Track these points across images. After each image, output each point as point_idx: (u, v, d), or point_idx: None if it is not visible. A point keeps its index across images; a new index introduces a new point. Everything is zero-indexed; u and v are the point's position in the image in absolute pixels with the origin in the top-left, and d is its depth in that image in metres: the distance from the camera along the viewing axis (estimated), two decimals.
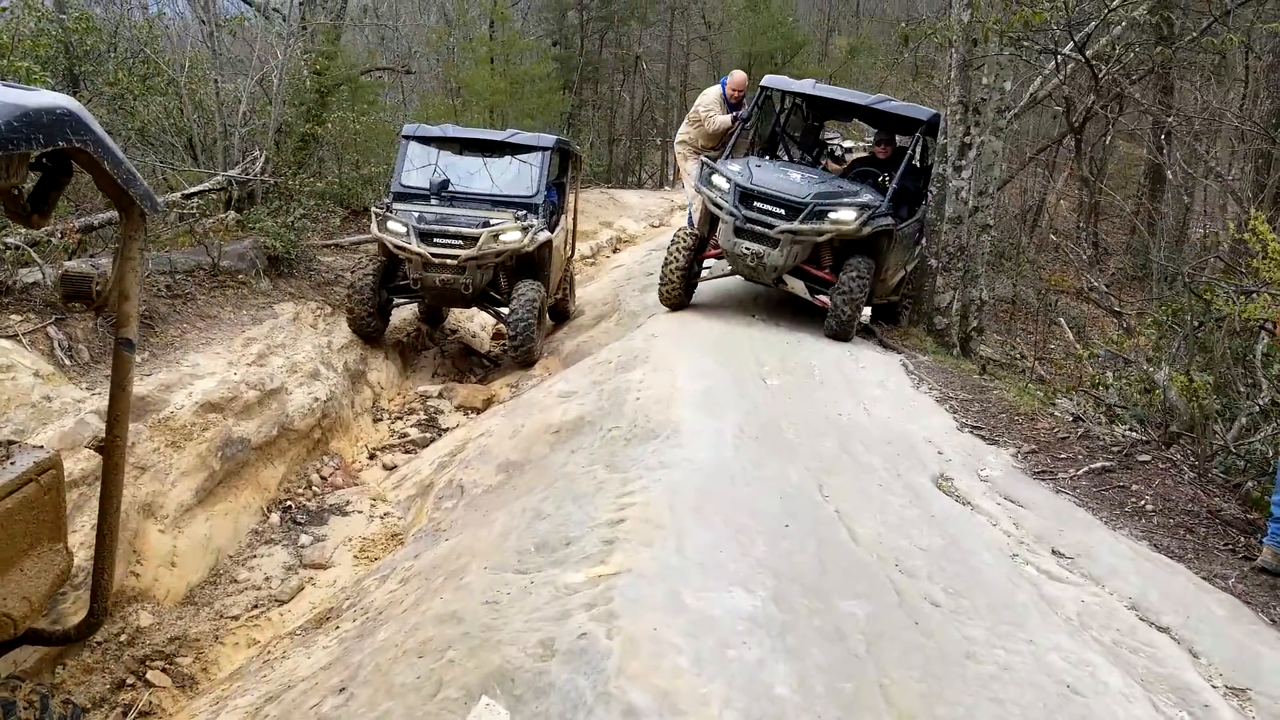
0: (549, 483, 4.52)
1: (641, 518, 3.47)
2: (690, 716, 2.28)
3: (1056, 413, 5.81)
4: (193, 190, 8.94)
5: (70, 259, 6.52)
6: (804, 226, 6.77)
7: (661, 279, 7.58)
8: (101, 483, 2.27)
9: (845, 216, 6.81)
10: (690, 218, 8.91)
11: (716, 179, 7.18)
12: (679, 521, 3.39)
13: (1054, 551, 3.81)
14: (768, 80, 8.34)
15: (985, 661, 2.74)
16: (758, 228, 6.82)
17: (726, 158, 7.77)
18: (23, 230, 6.26)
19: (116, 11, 12.71)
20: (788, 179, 7.14)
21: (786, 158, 9.01)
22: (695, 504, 3.55)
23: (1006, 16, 6.18)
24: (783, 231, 6.76)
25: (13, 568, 2.11)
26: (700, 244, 7.58)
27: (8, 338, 5.37)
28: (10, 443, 2.26)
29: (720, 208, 7.05)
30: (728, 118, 8.56)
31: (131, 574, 4.56)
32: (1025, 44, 7.44)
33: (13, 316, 5.63)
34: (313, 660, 3.67)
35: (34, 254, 5.91)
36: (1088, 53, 8.16)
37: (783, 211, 6.79)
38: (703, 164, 7.53)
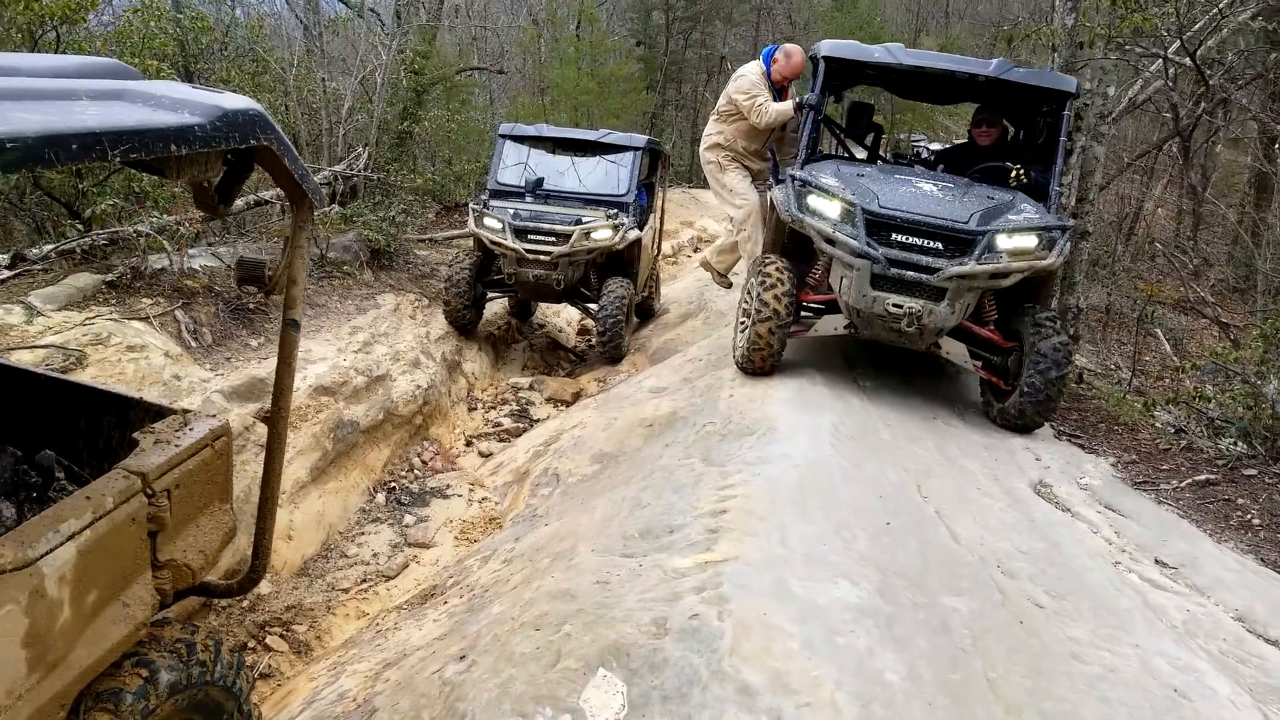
0: (646, 474, 4.66)
1: (743, 509, 3.58)
2: (804, 695, 2.38)
3: (1157, 424, 5.71)
4: None
5: (193, 246, 6.93)
6: (981, 267, 4.72)
7: (752, 332, 5.29)
8: (266, 450, 2.48)
9: (1026, 244, 4.81)
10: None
11: (818, 201, 5.08)
12: (781, 514, 3.48)
13: (1157, 561, 3.79)
14: (829, 48, 5.85)
15: (1091, 662, 2.78)
16: (909, 273, 4.77)
17: (805, 164, 5.65)
18: (152, 218, 6.68)
19: (228, 11, 13.37)
20: (927, 194, 5.03)
21: (846, 155, 6.71)
22: (796, 498, 3.64)
23: (1115, 22, 6.09)
24: (951, 277, 4.72)
25: (191, 524, 2.33)
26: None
27: (140, 319, 5.75)
28: (186, 411, 2.49)
29: (835, 243, 4.95)
30: (788, 104, 6.20)
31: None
32: (1131, 49, 7.27)
33: (144, 300, 6.00)
34: (425, 632, 3.87)
35: (163, 241, 6.30)
36: (1195, 57, 7.94)
37: (940, 245, 4.78)
38: (792, 181, 5.30)
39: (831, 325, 5.39)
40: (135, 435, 2.32)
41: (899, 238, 4.81)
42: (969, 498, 3.92)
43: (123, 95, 1.86)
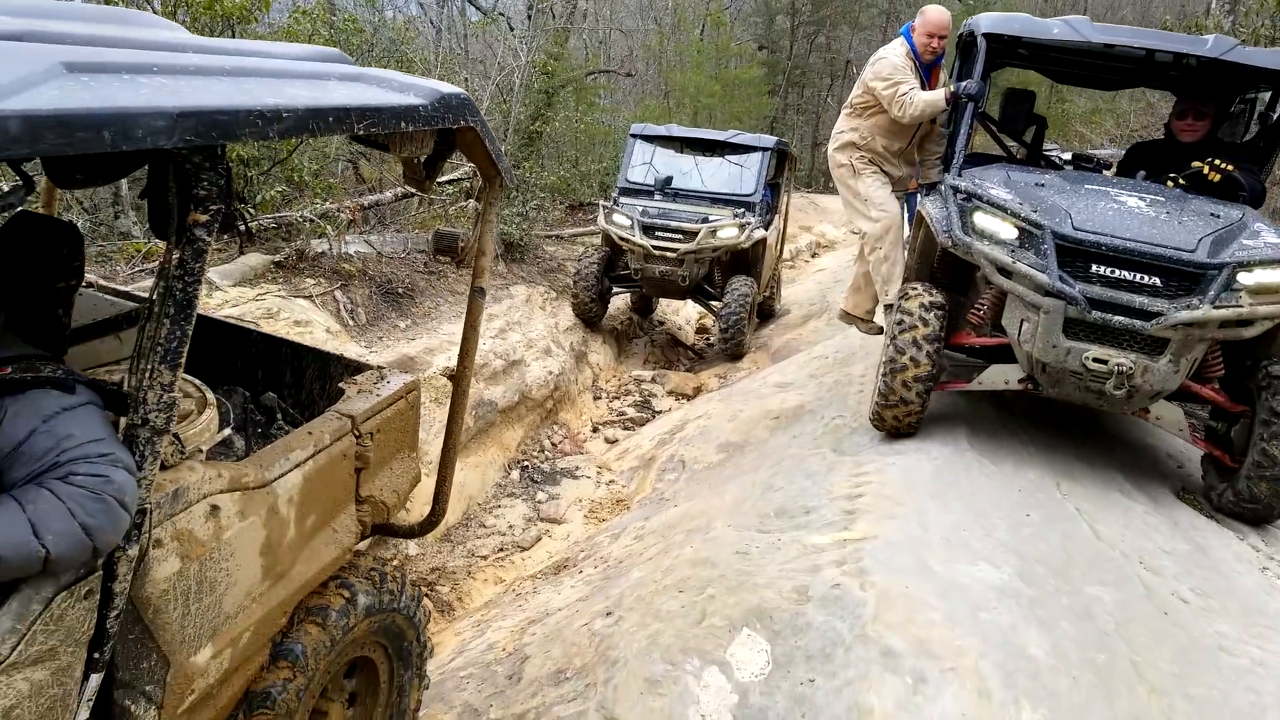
0: (776, 461, 4.78)
1: (880, 494, 3.66)
2: (947, 661, 2.46)
3: None
4: (444, 179, 9.84)
5: (348, 233, 7.41)
6: (1217, 313, 3.54)
7: (883, 384, 4.24)
8: (450, 404, 2.73)
9: (1274, 280, 3.61)
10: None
11: (988, 220, 3.95)
12: (918, 501, 3.55)
13: None
14: (992, 23, 4.67)
15: (1239, 655, 2.76)
16: (1116, 319, 3.62)
17: (961, 168, 4.47)
18: (314, 205, 7.18)
19: (375, 13, 14.12)
20: (1133, 211, 3.87)
21: (1006, 155, 5.51)
22: (932, 489, 3.70)
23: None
24: (1177, 325, 3.56)
25: (386, 466, 2.59)
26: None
27: (304, 298, 6.21)
28: (381, 367, 2.76)
29: (1014, 275, 3.80)
30: (939, 93, 4.97)
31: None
32: None
33: (307, 280, 6.48)
34: (564, 596, 4.10)
35: (325, 226, 6.77)
36: None
37: (1158, 281, 3.64)
38: (953, 193, 4.19)
39: (1002, 378, 4.21)
40: (341, 385, 2.60)
41: (1101, 270, 3.69)
42: (1111, 499, 3.89)
43: (361, 78, 2.11)
